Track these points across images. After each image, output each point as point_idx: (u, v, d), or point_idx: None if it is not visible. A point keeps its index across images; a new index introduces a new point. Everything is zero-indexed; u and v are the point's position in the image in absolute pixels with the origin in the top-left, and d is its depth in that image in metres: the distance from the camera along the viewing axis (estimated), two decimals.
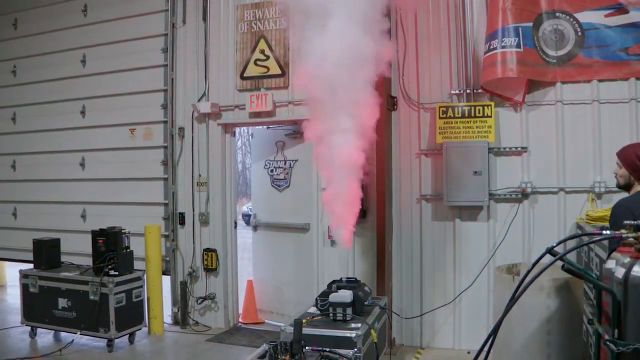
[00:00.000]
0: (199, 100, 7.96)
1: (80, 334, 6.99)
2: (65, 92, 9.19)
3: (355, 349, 4.07)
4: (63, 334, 7.31)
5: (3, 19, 10.03)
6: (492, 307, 6.19)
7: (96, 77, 8.90)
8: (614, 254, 2.80)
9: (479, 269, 6.60)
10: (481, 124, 6.55)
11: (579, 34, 6.28)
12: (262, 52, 7.58)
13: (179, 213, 8.17)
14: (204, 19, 8.01)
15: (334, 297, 4.57)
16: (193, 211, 8.08)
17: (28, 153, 9.68)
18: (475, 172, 6.46)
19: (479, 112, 6.56)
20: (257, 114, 7.61)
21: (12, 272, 9.92)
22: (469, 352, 6.49)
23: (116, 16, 8.69)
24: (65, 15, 9.23)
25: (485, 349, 2.77)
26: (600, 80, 6.23)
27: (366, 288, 5.14)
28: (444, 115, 6.68)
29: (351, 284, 4.94)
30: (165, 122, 8.26)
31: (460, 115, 6.61)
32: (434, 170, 6.88)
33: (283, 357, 3.56)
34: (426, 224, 6.96)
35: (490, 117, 6.51)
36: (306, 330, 3.90)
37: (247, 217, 12.68)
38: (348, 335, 4.14)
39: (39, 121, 9.51)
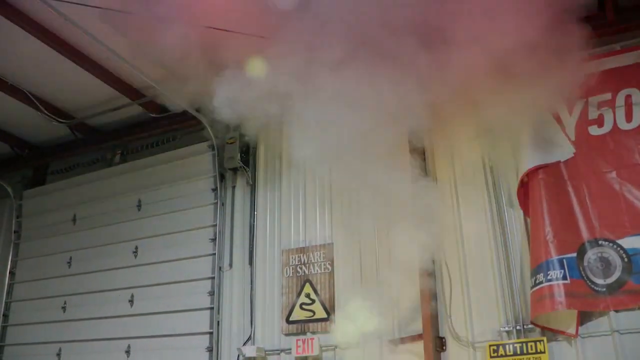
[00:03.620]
0: (244, 344, 7.93)
1: None
2: (110, 331, 9.24)
3: None
4: None
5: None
6: None
7: (143, 317, 9.00)
8: None
9: None
10: None
11: (626, 260, 6.19)
12: (308, 295, 7.71)
13: None
14: (250, 263, 8.30)
15: None
16: None
17: None
18: None
19: (532, 349, 6.28)
20: (303, 359, 7.50)
21: None
22: None
23: (164, 259, 9.02)
24: (115, 256, 9.58)
25: None
26: None
27: None
28: (495, 354, 6.41)
29: None
30: None
31: (512, 353, 6.34)
32: None
33: None
34: None
35: (544, 352, 6.20)
36: None
37: None
38: None
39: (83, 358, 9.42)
